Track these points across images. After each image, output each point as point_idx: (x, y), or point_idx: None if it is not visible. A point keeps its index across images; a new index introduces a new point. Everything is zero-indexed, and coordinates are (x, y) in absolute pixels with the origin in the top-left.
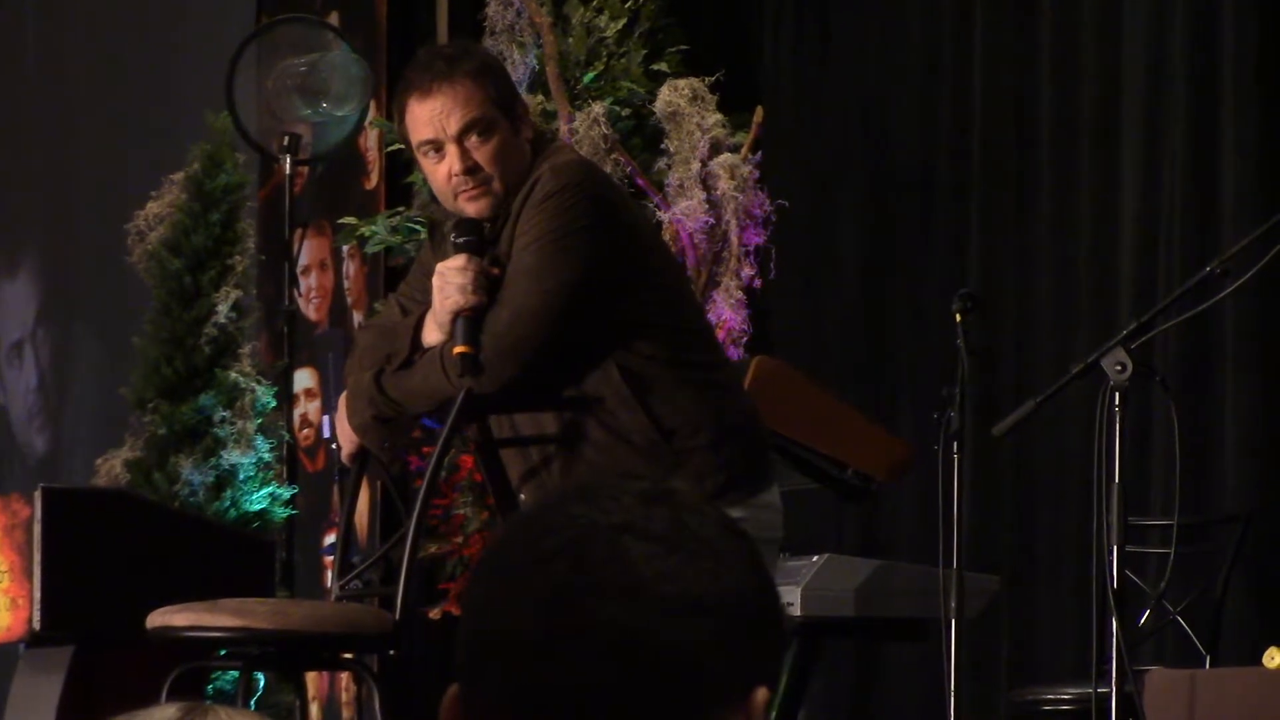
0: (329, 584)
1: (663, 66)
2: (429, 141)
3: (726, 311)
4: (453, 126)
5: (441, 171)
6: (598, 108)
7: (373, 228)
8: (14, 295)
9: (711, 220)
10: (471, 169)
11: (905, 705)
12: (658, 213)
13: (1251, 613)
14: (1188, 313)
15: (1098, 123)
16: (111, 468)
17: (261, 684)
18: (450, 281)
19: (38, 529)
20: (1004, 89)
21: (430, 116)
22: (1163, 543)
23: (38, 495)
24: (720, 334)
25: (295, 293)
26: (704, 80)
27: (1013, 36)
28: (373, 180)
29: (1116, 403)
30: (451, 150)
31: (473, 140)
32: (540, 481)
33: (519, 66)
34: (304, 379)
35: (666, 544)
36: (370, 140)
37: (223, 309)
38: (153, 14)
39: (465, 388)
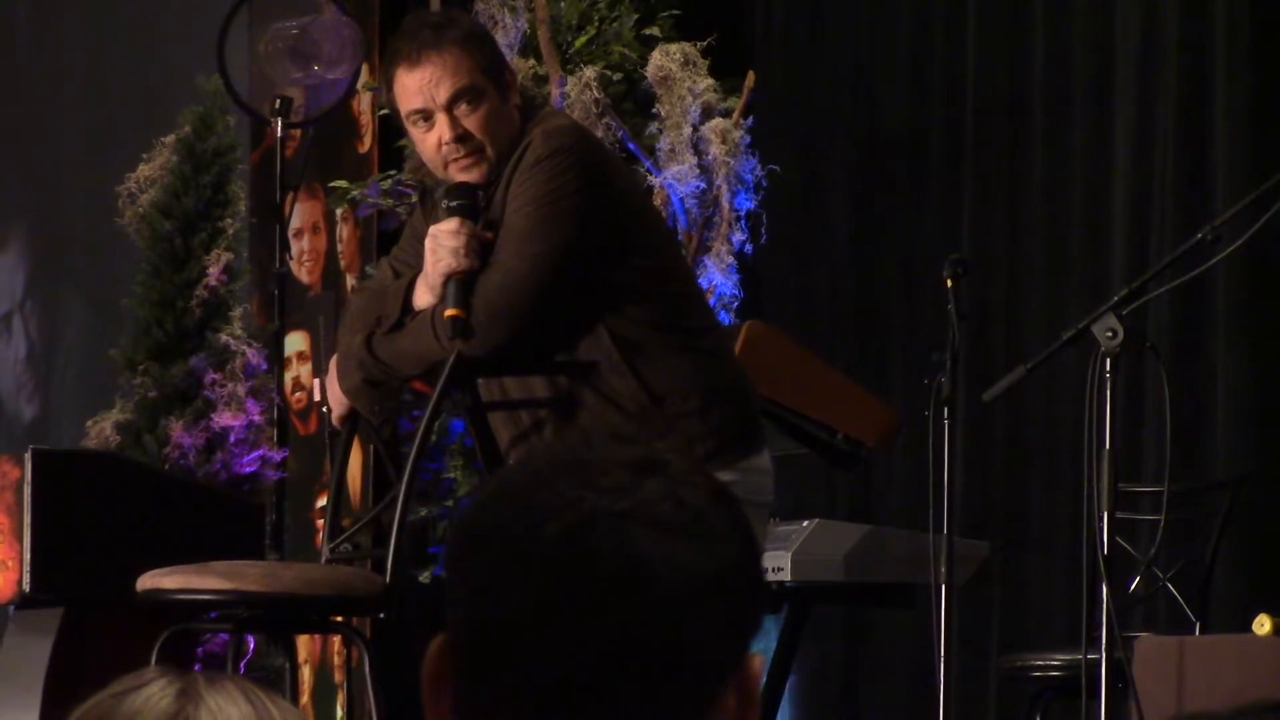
0: (320, 546)
1: (654, 31)
2: (418, 111)
3: (717, 276)
4: (441, 95)
5: (431, 140)
6: (589, 72)
7: (362, 190)
8: (1, 268)
9: (702, 185)
10: (462, 137)
11: (895, 671)
12: (649, 177)
13: (1241, 579)
14: (1179, 279)
15: (1090, 88)
16: (101, 430)
17: (251, 646)
18: (443, 245)
19: (28, 491)
20: (997, 54)
21: (419, 86)
22: (1154, 509)
23: (28, 457)
24: (711, 299)
25: (286, 256)
26: (695, 45)
27: (1006, 2)
28: (366, 144)
29: (1107, 369)
30: (441, 119)
31: (462, 109)
32: (530, 445)
33: (510, 30)
34: (296, 342)
35: (668, 528)
36: (363, 104)
37: (213, 272)
38: None
39: (455, 351)
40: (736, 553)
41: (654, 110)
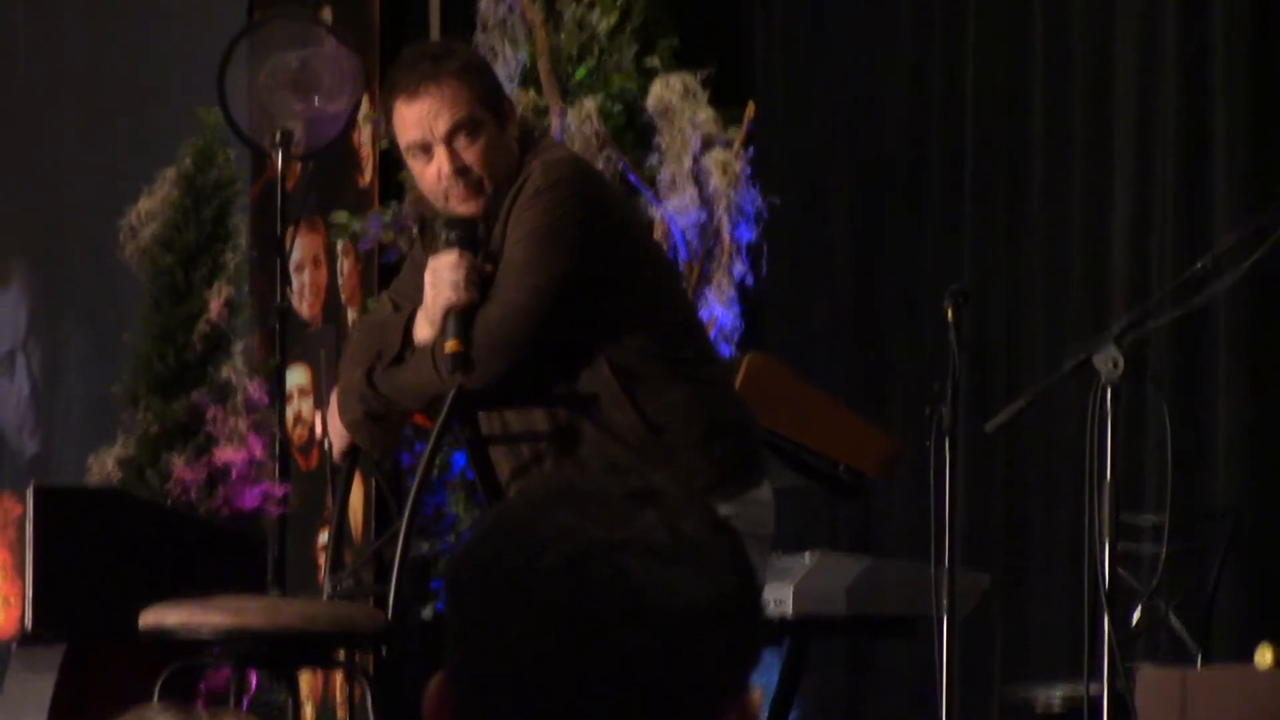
0: (322, 581)
1: (654, 62)
2: (417, 143)
3: (718, 308)
4: (440, 128)
5: (430, 173)
6: (589, 103)
7: (363, 223)
8: (4, 306)
9: (703, 216)
10: (461, 170)
11: (897, 703)
12: (649, 209)
13: (1243, 610)
14: (1179, 309)
15: (1090, 118)
16: (104, 465)
17: (254, 682)
18: (443, 278)
19: (30, 527)
20: (996, 84)
21: (417, 118)
22: (1155, 540)
23: (30, 493)
24: (712, 331)
25: (288, 290)
26: (696, 75)
27: (1005, 32)
28: (366, 176)
29: (1108, 399)
30: (440, 152)
31: (461, 141)
32: (531, 479)
33: (510, 62)
34: (297, 376)
35: (665, 558)
36: (364, 136)
37: (214, 306)
38: (143, 9)
39: (456, 384)
40: (734, 582)
41: (654, 141)
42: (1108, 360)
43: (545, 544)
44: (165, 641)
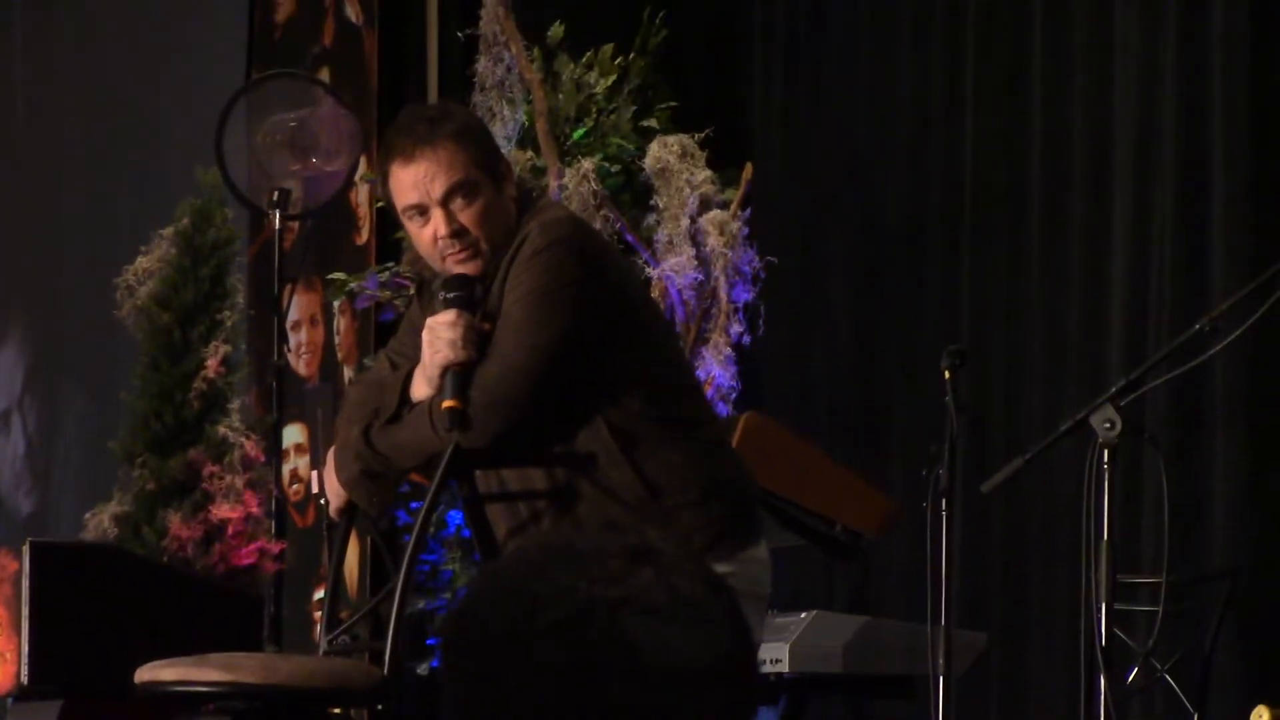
0: (318, 638)
1: (652, 123)
2: (413, 206)
3: (716, 368)
4: (437, 191)
5: (427, 235)
6: (587, 164)
7: (360, 282)
8: (0, 363)
9: (700, 276)
10: (458, 232)
11: None
12: (647, 269)
13: (1239, 670)
14: (1177, 370)
15: (1088, 177)
16: (100, 522)
17: None
18: (440, 336)
19: (26, 583)
20: (994, 144)
21: (414, 181)
22: (1152, 600)
23: (26, 549)
24: (709, 390)
25: (284, 348)
26: (693, 136)
27: (1003, 92)
28: (363, 235)
29: (1105, 460)
30: (437, 214)
31: (457, 203)
32: (528, 537)
33: (509, 122)
34: (294, 434)
35: (662, 616)
36: (361, 196)
37: (211, 364)
38: (142, 70)
39: (453, 442)
40: (729, 641)
41: (652, 202)
42: (1104, 421)
43: (542, 602)
44: (161, 698)
